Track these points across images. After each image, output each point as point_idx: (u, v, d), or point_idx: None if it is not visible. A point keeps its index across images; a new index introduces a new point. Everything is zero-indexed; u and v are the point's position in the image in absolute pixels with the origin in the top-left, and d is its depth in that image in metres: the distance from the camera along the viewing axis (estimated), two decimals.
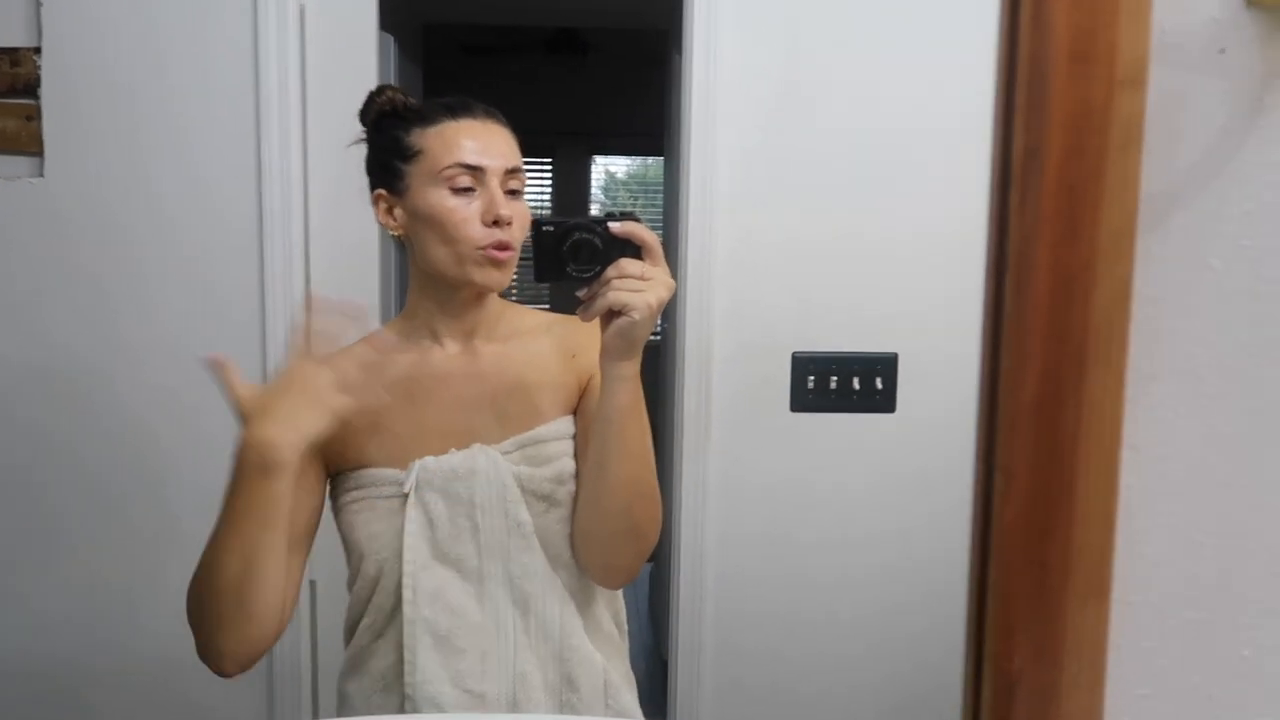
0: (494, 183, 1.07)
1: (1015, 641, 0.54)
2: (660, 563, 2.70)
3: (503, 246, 1.06)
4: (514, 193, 1.09)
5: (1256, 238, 0.54)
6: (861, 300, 1.81)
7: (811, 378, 1.82)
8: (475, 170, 1.06)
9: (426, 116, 1.09)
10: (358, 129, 1.15)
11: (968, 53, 1.60)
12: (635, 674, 1.21)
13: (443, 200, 1.06)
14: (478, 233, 1.06)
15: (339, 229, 1.73)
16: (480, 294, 1.11)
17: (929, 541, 1.81)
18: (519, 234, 1.08)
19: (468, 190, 1.06)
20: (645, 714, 1.19)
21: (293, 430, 0.93)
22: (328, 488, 1.13)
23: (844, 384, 1.83)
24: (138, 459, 1.74)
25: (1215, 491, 0.56)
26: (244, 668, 1.01)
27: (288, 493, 0.94)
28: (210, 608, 0.97)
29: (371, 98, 1.15)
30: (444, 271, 1.08)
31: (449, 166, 1.06)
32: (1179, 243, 0.53)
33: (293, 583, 1.05)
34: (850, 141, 1.78)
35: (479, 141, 1.07)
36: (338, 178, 1.49)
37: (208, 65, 1.70)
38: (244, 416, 0.94)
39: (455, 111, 1.09)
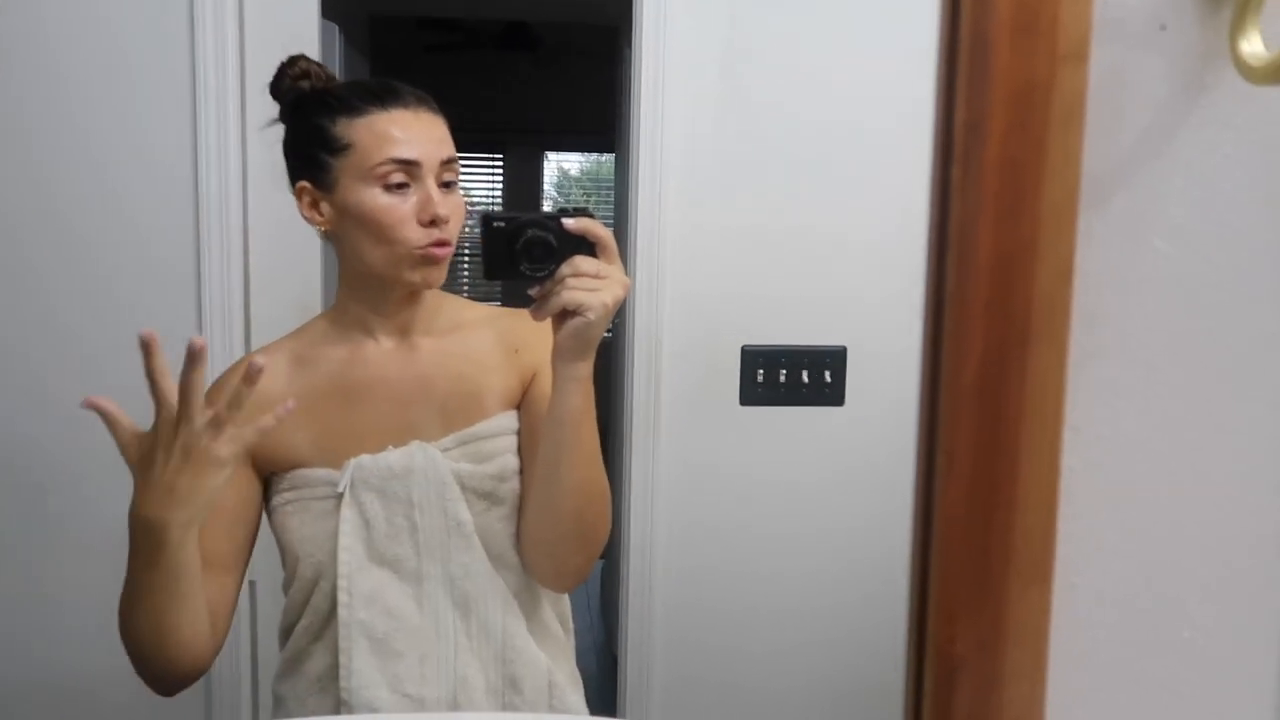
0: (429, 178, 1.02)
1: (957, 628, 0.53)
2: (611, 559, 2.68)
3: (441, 244, 1.03)
4: (449, 185, 1.05)
5: (1197, 217, 0.54)
6: (811, 293, 1.82)
7: (761, 371, 1.82)
8: (410, 165, 1.02)
9: (352, 105, 1.04)
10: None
11: (915, 43, 1.60)
12: (587, 672, 1.20)
13: (375, 199, 1.01)
14: (414, 234, 1.02)
15: (279, 219, 1.69)
16: (417, 293, 1.08)
17: (878, 534, 1.81)
18: (456, 228, 1.05)
19: (402, 187, 1.02)
20: (597, 712, 1.17)
21: (182, 508, 0.85)
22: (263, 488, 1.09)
23: (793, 377, 1.83)
24: (63, 455, 1.69)
25: (1155, 473, 0.56)
26: (183, 688, 0.97)
27: (190, 555, 0.89)
28: (135, 648, 0.94)
29: (282, 70, 1.08)
30: (378, 272, 1.04)
31: (382, 163, 1.01)
32: (1120, 221, 0.53)
33: (225, 602, 1.02)
34: (799, 135, 1.78)
35: (412, 133, 1.03)
36: (277, 166, 1.45)
37: (143, 52, 1.64)
38: (135, 478, 0.86)
39: (384, 100, 1.04)
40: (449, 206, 1.04)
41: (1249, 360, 0.55)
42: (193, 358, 0.83)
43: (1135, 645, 0.58)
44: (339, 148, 1.03)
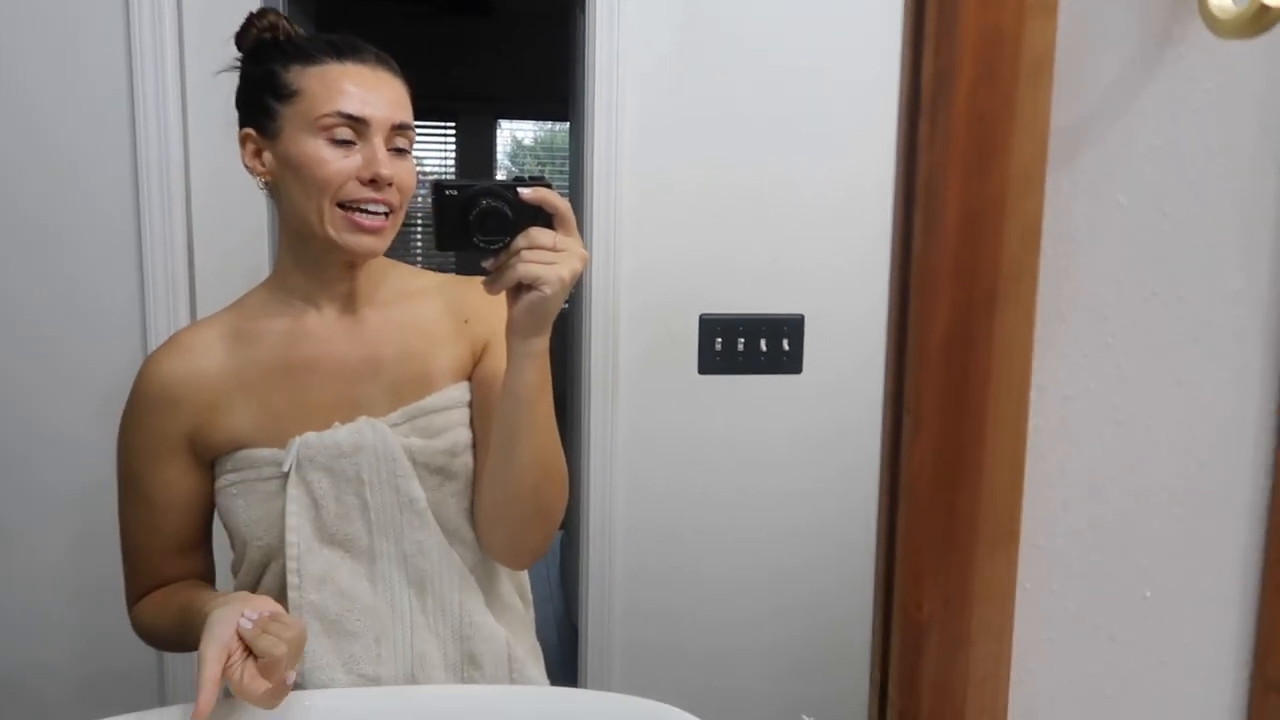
0: (378, 138, 0.98)
1: (924, 589, 0.53)
2: (571, 530, 2.68)
3: (381, 211, 0.98)
4: (400, 151, 1.00)
5: (1163, 174, 0.53)
6: (769, 262, 1.81)
7: (719, 339, 1.81)
8: (358, 122, 0.97)
9: (308, 53, 0.99)
10: (232, 57, 1.06)
11: (874, 6, 1.59)
12: (547, 643, 1.19)
13: (318, 150, 0.96)
14: (350, 190, 0.97)
15: (221, 177, 1.64)
16: (358, 262, 1.03)
17: (838, 500, 1.83)
18: (402, 198, 1.00)
19: (347, 143, 0.97)
20: (558, 683, 1.16)
21: None
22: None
23: (751, 345, 1.82)
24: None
25: (1118, 433, 0.56)
26: None
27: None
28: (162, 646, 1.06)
29: (250, 21, 1.03)
30: (310, 230, 0.99)
31: (328, 114, 0.96)
32: (1087, 178, 0.52)
33: (209, 571, 1.12)
34: (757, 102, 1.77)
35: (365, 90, 0.98)
36: (219, 123, 1.41)
37: (73, 14, 1.58)
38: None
39: (341, 52, 0.99)
40: (396, 171, 0.98)
41: (1213, 318, 0.55)
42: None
43: (1098, 605, 0.58)
44: (287, 94, 0.98)
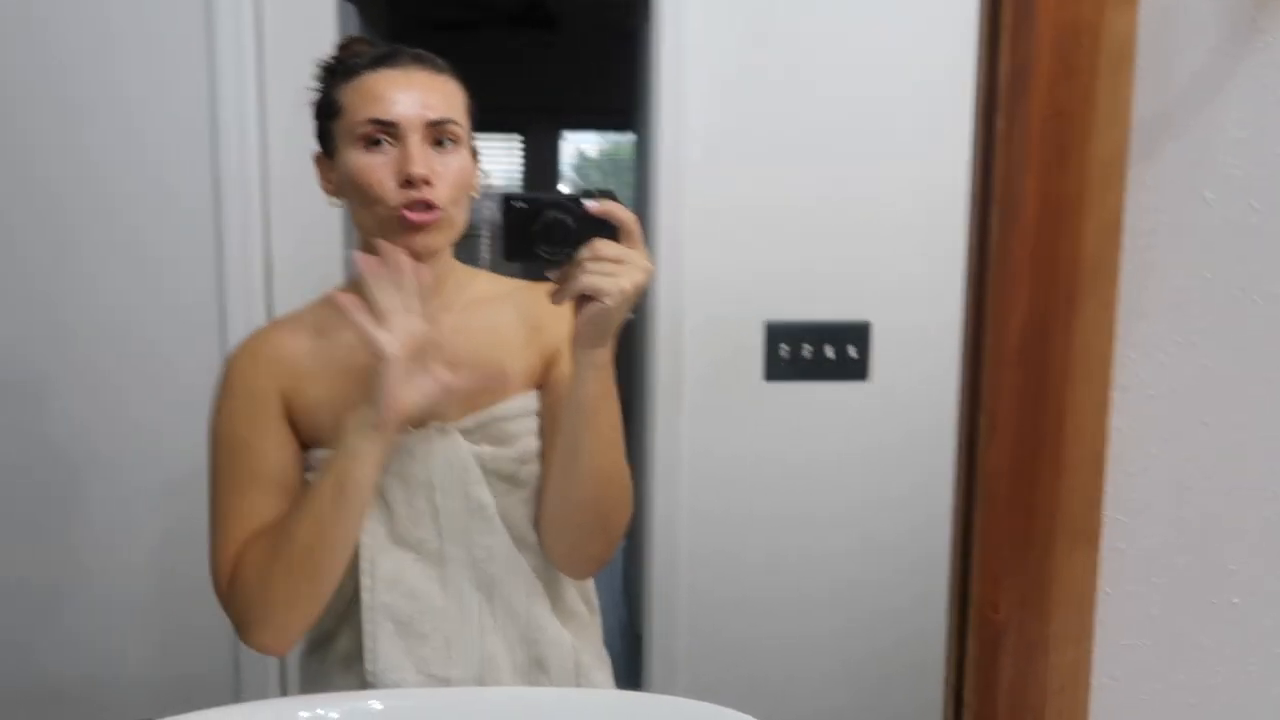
0: (413, 138, 0.97)
1: (1001, 591, 0.52)
2: (634, 538, 2.68)
3: (423, 209, 0.97)
4: (443, 145, 0.99)
5: (1248, 166, 0.52)
6: (835, 268, 1.79)
7: (785, 346, 1.80)
8: (388, 125, 0.97)
9: (350, 68, 1.00)
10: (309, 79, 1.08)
11: (941, 7, 1.57)
12: (611, 651, 1.19)
13: (357, 159, 0.97)
14: (390, 194, 0.96)
15: (299, 202, 1.68)
16: (418, 261, 1.00)
17: (906, 510, 1.80)
18: (448, 193, 0.98)
19: (384, 149, 0.97)
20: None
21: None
22: None
23: (817, 352, 1.81)
24: (71, 460, 1.70)
25: (1204, 434, 0.54)
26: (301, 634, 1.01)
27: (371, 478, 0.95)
28: (292, 587, 0.98)
29: (338, 48, 1.06)
30: (369, 237, 1.00)
31: (360, 122, 0.97)
32: (1171, 172, 0.51)
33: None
34: (822, 109, 1.75)
35: (396, 92, 0.98)
36: (297, 143, 1.45)
37: (158, 34, 1.63)
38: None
39: (378, 62, 1.00)
40: (436, 166, 0.97)
41: None
42: None
43: (1183, 611, 0.56)
44: (334, 112, 1.00)
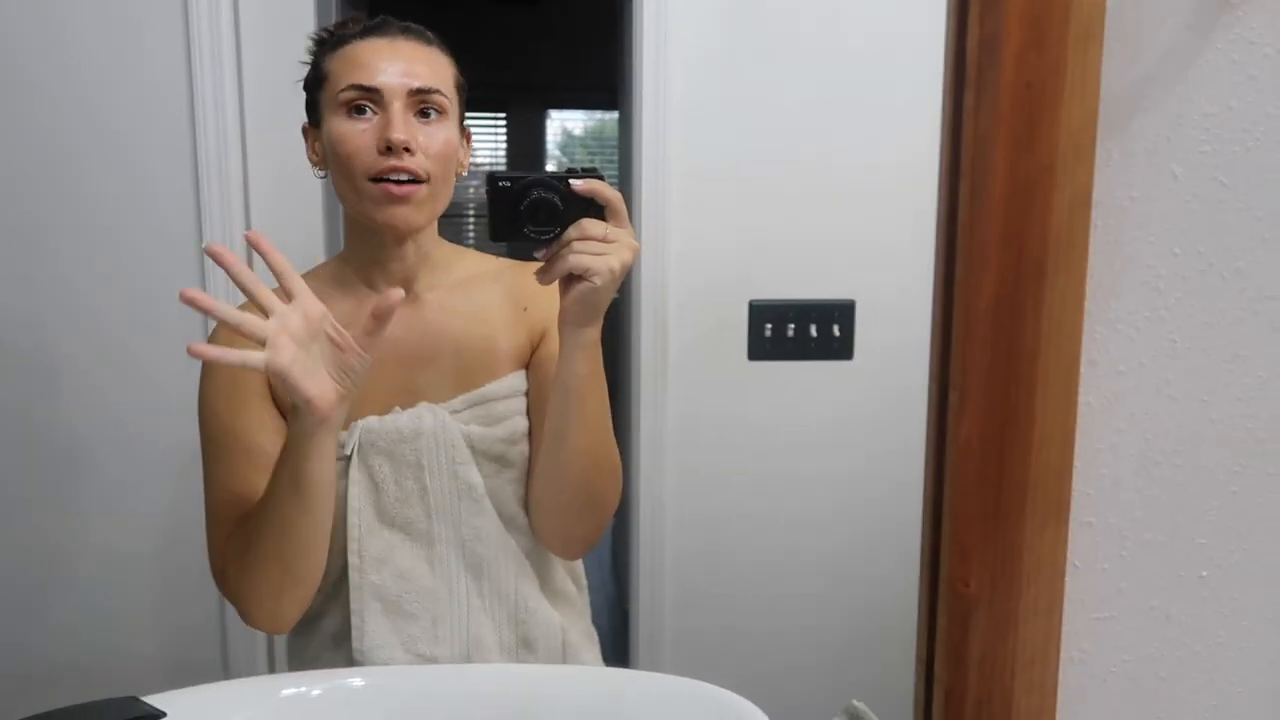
0: (395, 104, 0.96)
1: (971, 565, 0.52)
2: (621, 516, 2.69)
3: (405, 179, 0.95)
4: (427, 115, 0.98)
5: (1217, 143, 0.52)
6: (819, 247, 1.79)
7: (769, 325, 1.80)
8: (371, 92, 0.96)
9: (338, 38, 1.00)
10: (294, 70, 1.07)
11: None
12: (599, 629, 1.19)
13: (339, 126, 0.96)
14: (371, 161, 0.95)
15: (277, 172, 1.67)
16: (400, 237, 1.01)
17: (888, 487, 1.81)
18: (432, 164, 0.97)
19: (366, 117, 0.96)
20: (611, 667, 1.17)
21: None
22: None
23: (801, 331, 1.81)
24: (56, 445, 1.70)
25: (1172, 408, 0.55)
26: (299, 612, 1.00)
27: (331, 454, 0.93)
28: (271, 576, 0.97)
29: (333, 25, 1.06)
30: (352, 209, 0.99)
31: (344, 89, 0.96)
32: (1140, 147, 0.51)
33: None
34: (805, 82, 1.75)
35: (380, 60, 0.97)
36: (276, 119, 1.43)
37: (137, 8, 1.62)
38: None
39: (366, 31, 1.00)
40: (419, 137, 0.97)
41: (1272, 290, 0.53)
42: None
43: (1152, 584, 0.57)
44: (320, 80, 0.99)
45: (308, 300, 0.88)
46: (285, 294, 0.88)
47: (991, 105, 0.47)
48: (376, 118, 0.97)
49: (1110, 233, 0.51)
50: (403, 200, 0.97)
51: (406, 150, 0.95)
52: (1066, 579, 0.54)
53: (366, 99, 0.96)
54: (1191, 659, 0.58)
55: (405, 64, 0.98)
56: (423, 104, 0.98)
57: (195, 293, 0.81)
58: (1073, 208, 0.50)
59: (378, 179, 0.96)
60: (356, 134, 0.96)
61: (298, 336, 0.87)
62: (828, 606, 1.89)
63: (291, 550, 0.95)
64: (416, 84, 0.98)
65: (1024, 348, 0.50)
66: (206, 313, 0.82)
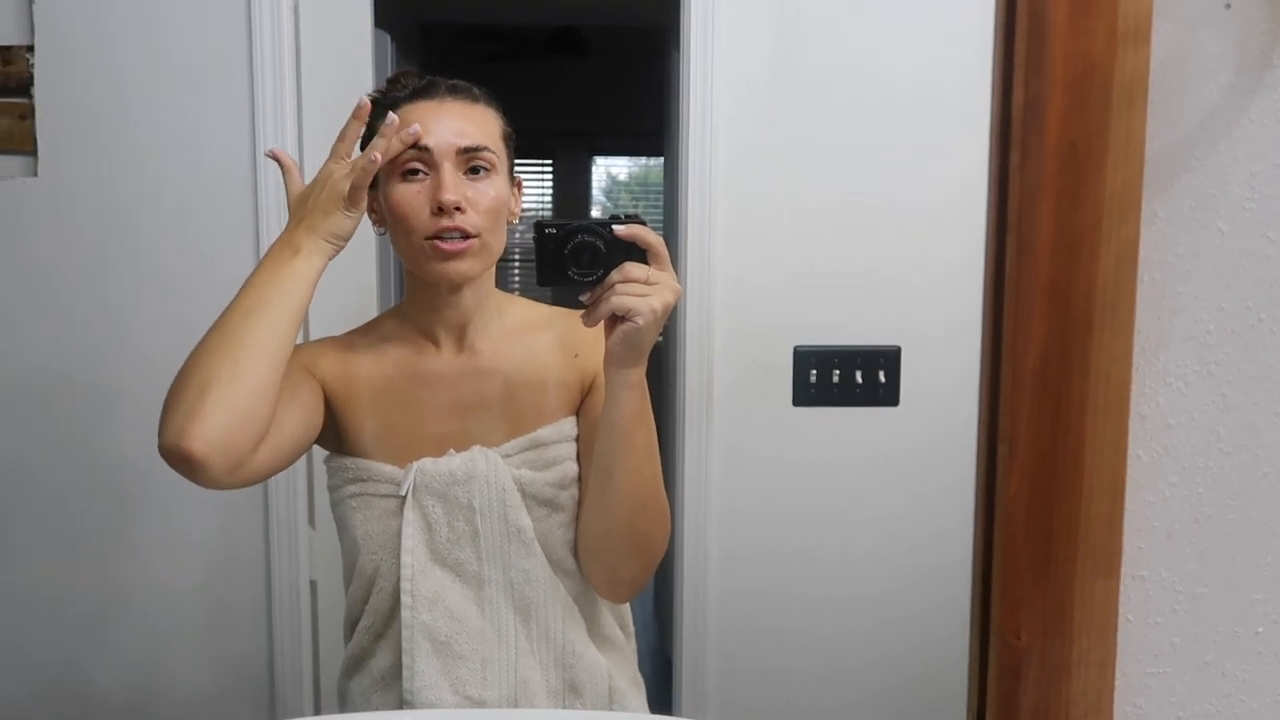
0: (445, 165, 0.99)
1: (1022, 617, 0.53)
2: (665, 562, 2.68)
3: (456, 236, 0.99)
4: (477, 172, 1.02)
5: (1263, 199, 0.52)
6: (865, 292, 1.80)
7: (813, 371, 1.80)
8: (422, 151, 1.00)
9: (393, 100, 1.04)
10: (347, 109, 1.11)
11: (967, 30, 1.57)
12: (642, 675, 1.19)
13: (395, 189, 1.01)
14: (424, 222, 0.99)
15: None
16: (455, 287, 1.04)
17: (935, 537, 1.79)
18: (482, 220, 1.01)
19: (419, 179, 1.00)
20: (655, 714, 1.16)
21: (310, 234, 0.98)
22: (327, 475, 1.11)
23: (846, 377, 1.81)
24: (119, 471, 1.74)
25: (1224, 462, 0.55)
26: (217, 454, 0.91)
27: (299, 293, 0.97)
28: (201, 384, 0.91)
29: (389, 83, 1.09)
30: (409, 264, 1.03)
31: (400, 152, 0.99)
32: (1185, 204, 0.52)
33: (274, 415, 0.97)
34: (849, 133, 1.76)
35: (430, 121, 1.00)
36: None
37: (202, 62, 1.68)
38: (289, 218, 1.00)
39: (416, 93, 1.04)
40: (469, 193, 1.00)
41: None
42: (358, 113, 0.98)
43: (1207, 639, 0.56)
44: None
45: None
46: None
47: (1036, 164, 0.48)
48: (428, 178, 1.00)
49: (1157, 288, 0.52)
50: (456, 256, 1.00)
51: (457, 209, 0.99)
52: (1119, 632, 0.54)
53: (418, 160, 1.00)
54: (1248, 716, 0.57)
55: (454, 122, 1.02)
56: (472, 161, 1.01)
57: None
58: (1119, 264, 0.50)
59: (431, 237, 1.00)
60: (411, 195, 1.00)
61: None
62: (871, 649, 1.87)
63: (241, 343, 0.94)
64: (465, 143, 1.01)
65: (1072, 401, 0.51)
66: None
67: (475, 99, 1.06)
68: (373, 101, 1.07)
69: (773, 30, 1.76)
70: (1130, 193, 0.50)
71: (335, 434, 1.08)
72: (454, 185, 0.99)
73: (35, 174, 1.68)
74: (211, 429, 0.90)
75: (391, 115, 0.98)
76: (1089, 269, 0.50)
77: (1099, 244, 0.49)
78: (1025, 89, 0.47)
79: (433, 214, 0.99)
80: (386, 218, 1.04)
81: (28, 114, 1.67)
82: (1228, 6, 0.51)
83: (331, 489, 1.10)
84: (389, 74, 2.00)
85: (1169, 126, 0.51)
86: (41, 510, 1.75)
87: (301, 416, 1.03)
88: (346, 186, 0.96)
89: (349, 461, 1.08)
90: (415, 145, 1.00)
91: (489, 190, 1.02)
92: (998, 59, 0.48)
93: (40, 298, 1.71)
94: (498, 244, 1.05)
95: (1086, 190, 0.49)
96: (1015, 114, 0.48)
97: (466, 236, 1.00)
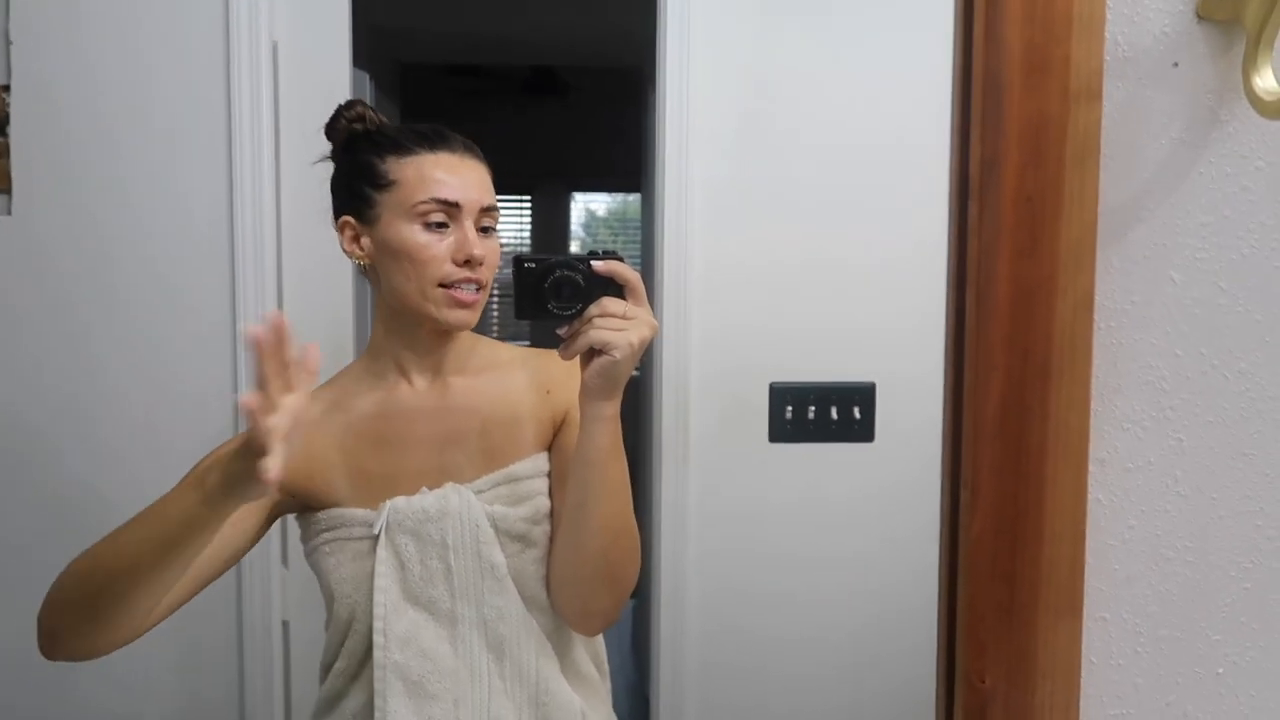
0: (468, 221, 1.04)
1: (986, 660, 0.53)
2: (642, 598, 2.67)
3: (472, 287, 1.04)
4: (486, 230, 1.07)
5: (1214, 249, 0.54)
6: (839, 329, 1.81)
7: (789, 408, 1.81)
8: (451, 206, 1.04)
9: (401, 144, 1.06)
10: (326, 169, 1.13)
11: (936, 77, 1.61)
12: (619, 713, 1.19)
13: (414, 235, 1.03)
14: (448, 271, 1.03)
15: (311, 263, 1.72)
16: (453, 334, 1.09)
17: (911, 573, 1.79)
18: (490, 273, 1.07)
19: (441, 226, 1.04)
20: None
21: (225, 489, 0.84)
22: (300, 528, 1.11)
23: (822, 414, 1.82)
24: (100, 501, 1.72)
25: (1181, 505, 0.56)
26: (79, 655, 0.97)
27: (203, 532, 0.88)
28: (83, 597, 0.94)
29: (339, 113, 1.11)
30: (410, 307, 1.05)
31: (424, 201, 1.03)
32: (1138, 255, 0.53)
33: (173, 598, 0.99)
34: (822, 171, 1.79)
35: (457, 177, 1.05)
36: (310, 212, 1.49)
37: (180, 102, 1.69)
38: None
39: (433, 143, 1.07)
40: (485, 250, 1.05)
41: (1273, 391, 0.55)
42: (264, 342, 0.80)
43: (1169, 681, 0.57)
44: (385, 184, 1.05)
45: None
46: (287, 386, 0.84)
47: (994, 218, 0.50)
48: (451, 230, 1.04)
49: (1113, 335, 0.53)
50: (469, 306, 1.04)
51: (479, 264, 1.04)
52: (1083, 674, 0.55)
53: (444, 213, 1.03)
54: None
55: (474, 179, 1.07)
56: (484, 220, 1.06)
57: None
58: (1075, 312, 0.52)
59: (447, 285, 1.03)
60: (433, 243, 1.03)
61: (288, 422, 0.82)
62: (848, 686, 1.87)
63: (123, 580, 0.92)
64: (487, 202, 1.07)
65: (1032, 447, 0.52)
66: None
67: (480, 158, 1.11)
68: (369, 137, 1.09)
69: (746, 76, 1.80)
70: (1085, 244, 0.51)
71: (301, 502, 1.09)
72: (477, 241, 1.04)
73: (9, 213, 1.68)
74: (85, 651, 0.96)
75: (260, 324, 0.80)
76: (1046, 318, 0.51)
77: (1056, 294, 0.51)
78: (982, 146, 0.49)
79: (457, 265, 1.03)
80: (390, 256, 1.05)
81: (3, 152, 1.67)
82: (1175, 65, 0.53)
83: (304, 540, 1.10)
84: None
85: (1122, 180, 0.52)
86: (5, 554, 1.72)
87: (218, 552, 1.02)
88: (271, 468, 0.79)
89: (320, 515, 1.07)
90: (446, 200, 1.03)
91: (494, 246, 1.08)
92: (955, 117, 0.50)
93: (10, 338, 1.70)
94: (489, 292, 1.09)
95: (1043, 242, 0.50)
96: (973, 169, 0.49)
97: (480, 289, 1.05)
